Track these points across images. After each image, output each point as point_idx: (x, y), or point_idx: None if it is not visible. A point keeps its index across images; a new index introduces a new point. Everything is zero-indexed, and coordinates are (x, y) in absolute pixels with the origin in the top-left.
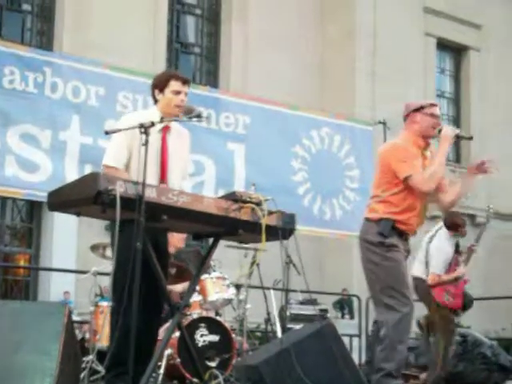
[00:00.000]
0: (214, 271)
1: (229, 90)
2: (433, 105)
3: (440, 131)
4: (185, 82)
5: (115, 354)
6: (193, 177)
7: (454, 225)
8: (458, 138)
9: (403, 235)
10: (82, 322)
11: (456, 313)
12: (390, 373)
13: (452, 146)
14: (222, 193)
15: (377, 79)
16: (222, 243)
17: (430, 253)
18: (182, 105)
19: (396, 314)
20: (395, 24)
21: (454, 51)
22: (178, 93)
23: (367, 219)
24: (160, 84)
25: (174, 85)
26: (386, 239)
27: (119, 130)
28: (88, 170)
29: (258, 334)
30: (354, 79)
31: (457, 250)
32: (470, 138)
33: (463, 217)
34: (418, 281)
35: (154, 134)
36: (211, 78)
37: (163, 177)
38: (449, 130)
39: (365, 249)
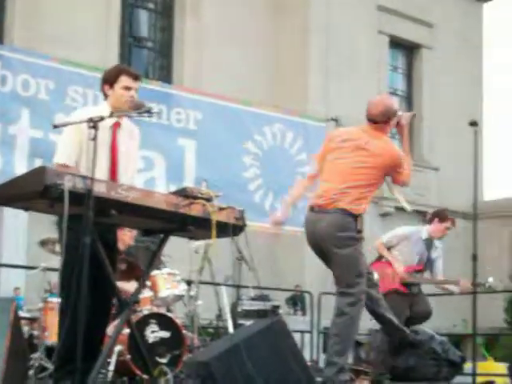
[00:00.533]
0: (165, 267)
1: (182, 85)
2: None
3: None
4: (136, 77)
5: (63, 351)
6: (142, 172)
7: (444, 214)
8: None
9: None
10: (31, 319)
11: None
12: (343, 367)
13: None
14: (172, 189)
15: (330, 76)
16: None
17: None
18: (132, 101)
19: (359, 308)
20: (348, 21)
21: (406, 49)
22: (128, 89)
23: (349, 213)
24: (110, 79)
25: (125, 80)
26: (361, 234)
27: (68, 124)
28: (38, 164)
29: (210, 330)
30: (307, 75)
31: (428, 251)
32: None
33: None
34: None
35: (105, 130)
36: (164, 72)
37: (113, 172)
38: (406, 118)
39: (343, 243)
